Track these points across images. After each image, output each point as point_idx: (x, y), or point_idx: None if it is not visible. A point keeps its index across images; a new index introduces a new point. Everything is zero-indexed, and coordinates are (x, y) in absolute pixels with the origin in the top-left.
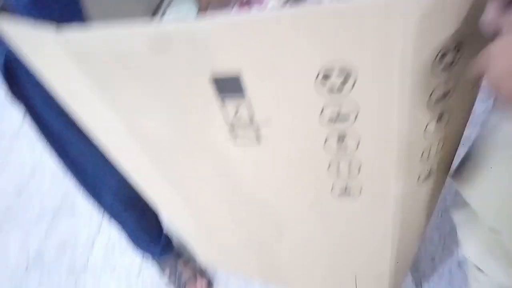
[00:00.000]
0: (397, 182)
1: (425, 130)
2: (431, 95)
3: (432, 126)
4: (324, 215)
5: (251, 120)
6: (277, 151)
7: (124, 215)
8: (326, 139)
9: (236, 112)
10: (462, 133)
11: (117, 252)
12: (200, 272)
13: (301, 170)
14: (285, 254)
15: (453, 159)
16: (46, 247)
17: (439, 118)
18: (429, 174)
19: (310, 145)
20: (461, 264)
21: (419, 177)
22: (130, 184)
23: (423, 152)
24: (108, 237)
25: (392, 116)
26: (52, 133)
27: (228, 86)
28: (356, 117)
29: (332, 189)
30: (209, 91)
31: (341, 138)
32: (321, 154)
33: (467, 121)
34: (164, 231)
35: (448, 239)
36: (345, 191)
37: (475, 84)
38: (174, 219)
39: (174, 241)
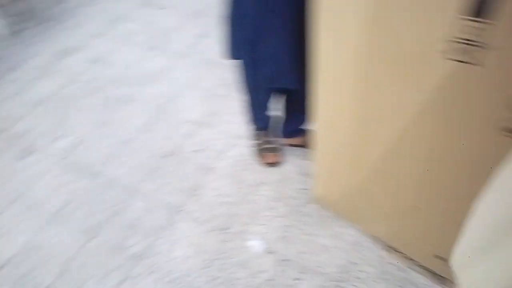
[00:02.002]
0: None
1: None
2: None
3: None
4: (474, 150)
5: (486, 42)
6: (486, 74)
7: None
8: None
9: (474, 30)
10: None
11: (241, 166)
12: (277, 151)
13: (489, 98)
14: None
15: None
16: (185, 145)
17: None
18: None
19: None
20: None
21: None
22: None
23: None
24: (237, 153)
25: None
26: None
27: (483, 4)
28: None
29: (501, 122)
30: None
31: None
32: None
33: None
34: (268, 116)
35: None
36: None
37: None
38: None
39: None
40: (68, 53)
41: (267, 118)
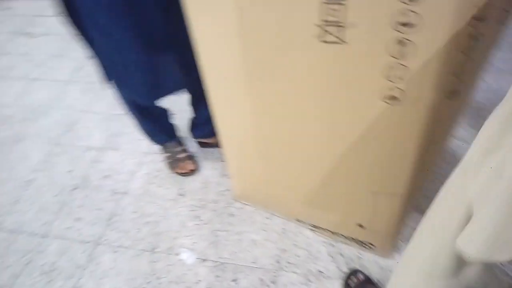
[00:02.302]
0: (433, 93)
1: (467, 46)
2: None
3: (471, 43)
4: (365, 121)
5: (343, 21)
6: (354, 50)
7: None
8: (393, 43)
9: (333, 12)
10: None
11: (156, 183)
12: (191, 158)
13: (365, 71)
14: (317, 175)
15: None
16: (92, 174)
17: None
18: (458, 92)
19: (379, 48)
20: None
21: (450, 92)
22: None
23: (456, 68)
24: (149, 170)
25: (444, 32)
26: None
27: None
28: (419, 27)
29: (381, 91)
30: None
31: (404, 44)
32: (384, 56)
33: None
34: (171, 123)
35: None
36: (391, 95)
37: None
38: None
39: (178, 133)
40: None
41: (170, 127)
